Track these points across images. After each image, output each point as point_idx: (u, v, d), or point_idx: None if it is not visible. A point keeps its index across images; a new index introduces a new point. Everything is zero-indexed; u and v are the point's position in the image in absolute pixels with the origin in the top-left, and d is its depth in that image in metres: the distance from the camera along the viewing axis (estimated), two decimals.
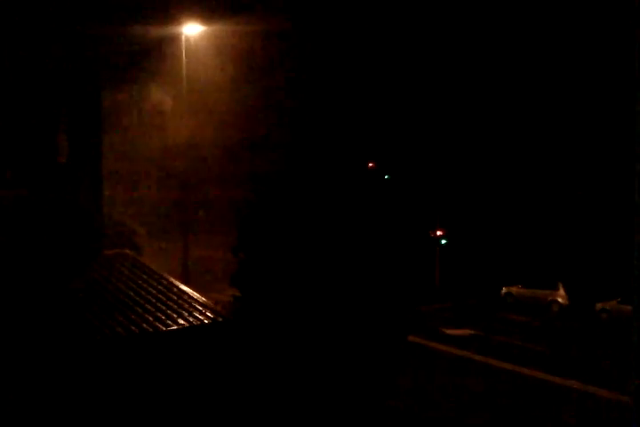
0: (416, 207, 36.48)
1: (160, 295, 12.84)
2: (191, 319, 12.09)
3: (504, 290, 39.93)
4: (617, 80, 37.73)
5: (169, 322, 11.85)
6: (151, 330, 11.52)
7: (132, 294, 12.79)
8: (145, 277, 13.60)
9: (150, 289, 13.07)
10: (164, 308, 12.33)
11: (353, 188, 14.93)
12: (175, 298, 12.81)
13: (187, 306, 12.54)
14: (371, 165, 36.13)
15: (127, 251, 15.22)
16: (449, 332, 30.45)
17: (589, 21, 42.48)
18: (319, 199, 13.90)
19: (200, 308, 12.53)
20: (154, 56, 28.72)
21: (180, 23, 26.39)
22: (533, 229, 44.97)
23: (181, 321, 11.96)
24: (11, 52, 13.55)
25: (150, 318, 11.86)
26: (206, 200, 35.72)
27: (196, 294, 13.08)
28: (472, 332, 30.86)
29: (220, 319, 12.31)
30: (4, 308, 11.52)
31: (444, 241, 42.05)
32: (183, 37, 26.48)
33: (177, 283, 13.59)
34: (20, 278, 12.49)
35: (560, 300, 38.11)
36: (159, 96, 30.36)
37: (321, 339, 12.74)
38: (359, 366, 13.08)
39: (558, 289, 38.36)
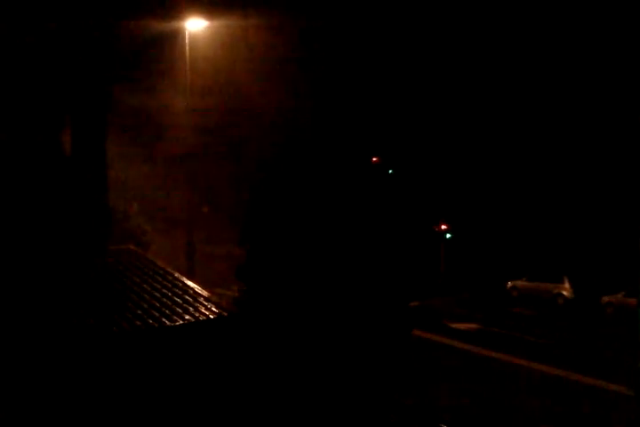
0: (420, 202, 36.48)
1: (165, 291, 12.87)
2: (197, 314, 12.12)
3: (509, 284, 39.98)
4: (625, 77, 37.65)
5: (175, 317, 11.88)
6: (157, 325, 11.55)
7: (137, 289, 12.82)
8: (150, 272, 13.63)
9: (156, 284, 13.10)
10: (169, 303, 12.36)
11: (357, 182, 14.94)
12: (181, 293, 12.84)
13: (192, 301, 12.57)
14: (375, 159, 36.09)
15: (132, 247, 15.26)
16: (454, 326, 30.50)
17: (598, 21, 42.39)
18: (324, 193, 13.92)
19: (205, 303, 12.56)
20: (156, 52, 28.70)
21: (182, 18, 26.30)
22: (538, 223, 44.96)
23: (187, 316, 11.99)
24: (15, 46, 13.57)
25: (156, 314, 11.89)
26: (212, 196, 35.74)
27: (201, 290, 13.12)
28: (477, 326, 30.92)
29: (226, 314, 12.34)
30: (7, 304, 11.55)
31: (448, 235, 42.13)
32: (187, 33, 26.42)
33: (182, 278, 13.61)
34: (24, 274, 12.52)
35: (565, 293, 38.15)
36: (164, 95, 30.36)
37: (326, 333, 12.78)
38: (364, 361, 13.11)
39: (564, 282, 38.41)
